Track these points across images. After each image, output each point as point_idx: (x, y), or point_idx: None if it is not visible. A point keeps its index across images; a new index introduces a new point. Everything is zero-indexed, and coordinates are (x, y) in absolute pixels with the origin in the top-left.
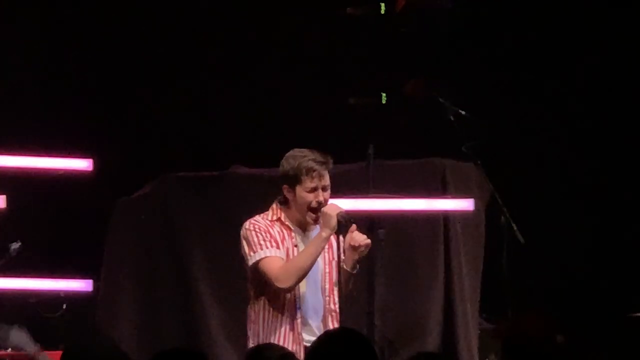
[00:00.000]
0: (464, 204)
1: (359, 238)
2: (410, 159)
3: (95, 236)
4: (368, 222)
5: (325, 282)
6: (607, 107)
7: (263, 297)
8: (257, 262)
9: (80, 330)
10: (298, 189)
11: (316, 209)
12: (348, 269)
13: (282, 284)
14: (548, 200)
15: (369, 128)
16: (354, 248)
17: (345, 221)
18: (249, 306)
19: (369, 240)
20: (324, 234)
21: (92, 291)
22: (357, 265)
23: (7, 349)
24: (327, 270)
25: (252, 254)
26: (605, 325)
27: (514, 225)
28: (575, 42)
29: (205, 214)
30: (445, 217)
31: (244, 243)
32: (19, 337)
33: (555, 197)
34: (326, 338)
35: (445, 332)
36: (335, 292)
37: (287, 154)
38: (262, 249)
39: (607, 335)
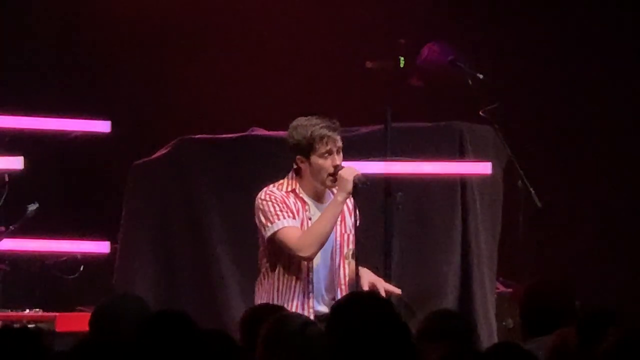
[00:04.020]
0: (482, 168)
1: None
2: (428, 123)
3: (112, 198)
4: (385, 185)
5: (335, 254)
6: (629, 68)
7: (277, 269)
8: (274, 233)
9: (99, 292)
10: (313, 157)
11: (334, 173)
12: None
13: (303, 252)
14: (566, 164)
15: (387, 92)
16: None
17: (362, 184)
18: (260, 277)
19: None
20: (340, 198)
21: (109, 253)
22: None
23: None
24: (339, 242)
25: (269, 224)
26: (621, 291)
27: (531, 189)
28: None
29: (222, 177)
30: (463, 181)
31: (260, 214)
32: None
33: (572, 160)
34: (353, 298)
35: (462, 295)
36: (346, 265)
37: (294, 124)
38: (279, 219)
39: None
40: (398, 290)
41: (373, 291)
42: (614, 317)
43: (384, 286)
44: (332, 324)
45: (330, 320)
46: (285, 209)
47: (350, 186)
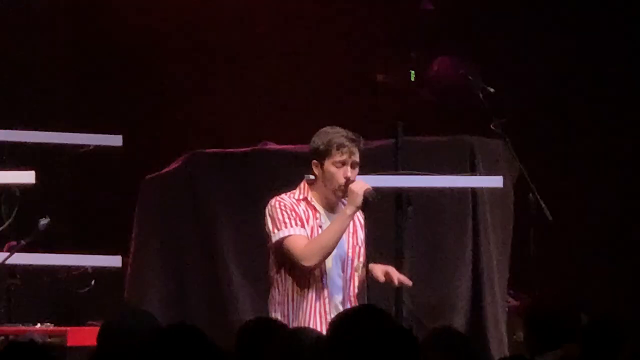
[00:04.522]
0: (493, 181)
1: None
2: (439, 136)
3: (124, 212)
4: (396, 199)
5: (347, 265)
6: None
7: (290, 278)
8: (281, 240)
9: (110, 306)
10: (327, 163)
11: (345, 185)
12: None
13: (306, 262)
14: (576, 178)
15: (398, 105)
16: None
17: (372, 198)
18: (272, 287)
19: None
20: (349, 211)
21: (120, 267)
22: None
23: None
24: (350, 255)
25: (276, 231)
26: (632, 305)
27: (542, 202)
28: (604, 15)
29: (233, 191)
30: (474, 195)
31: (269, 220)
32: None
33: (583, 174)
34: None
35: (473, 309)
36: (356, 278)
37: (319, 131)
38: (286, 227)
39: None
40: (409, 282)
41: (371, 305)
42: (619, 333)
43: (397, 276)
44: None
45: (329, 338)
46: (294, 217)
47: (360, 200)
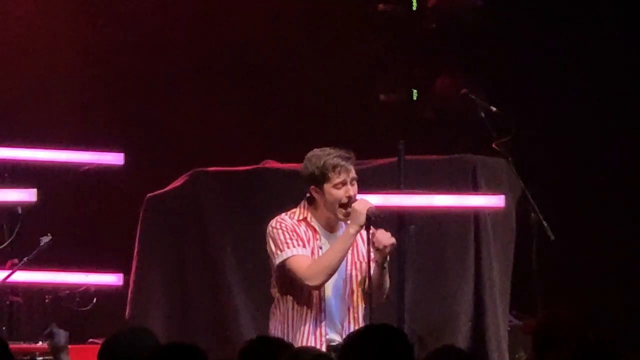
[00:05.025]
0: (495, 201)
1: (382, 238)
2: (441, 155)
3: (125, 231)
4: (398, 218)
5: (346, 283)
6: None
7: (289, 297)
8: (284, 261)
9: (111, 324)
10: (326, 187)
11: (347, 204)
12: (378, 267)
13: (311, 282)
14: (578, 197)
15: (400, 124)
16: (378, 250)
17: (375, 217)
18: (273, 305)
19: (393, 240)
20: (352, 230)
21: (122, 285)
22: (386, 264)
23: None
24: (350, 270)
25: (279, 252)
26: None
27: (544, 222)
28: (606, 36)
29: (235, 209)
30: (476, 214)
31: (271, 242)
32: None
33: (585, 193)
34: (366, 332)
35: (475, 328)
36: (359, 293)
37: (308, 156)
38: (289, 248)
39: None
40: (392, 240)
41: (387, 324)
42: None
43: (378, 238)
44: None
45: (342, 354)
46: (295, 237)
47: (363, 219)
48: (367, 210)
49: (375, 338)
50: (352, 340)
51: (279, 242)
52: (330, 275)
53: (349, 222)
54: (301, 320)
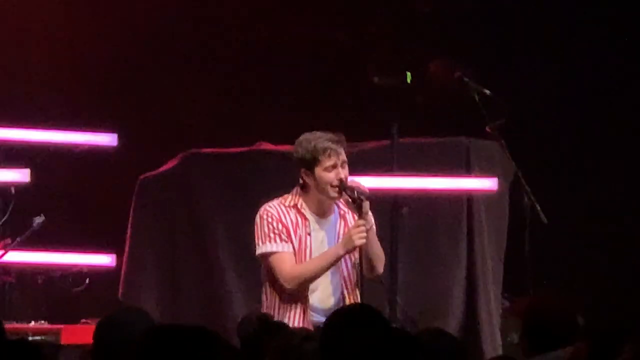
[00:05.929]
0: (488, 184)
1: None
2: (435, 138)
3: (118, 211)
4: (392, 200)
5: (338, 266)
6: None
7: (276, 283)
8: (265, 254)
9: (104, 304)
10: (317, 170)
11: (338, 186)
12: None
13: (288, 285)
14: (571, 180)
15: (393, 107)
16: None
17: (358, 197)
18: (263, 289)
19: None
20: (341, 252)
21: (115, 266)
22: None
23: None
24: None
25: (260, 244)
26: (626, 307)
27: (537, 205)
28: (601, 18)
29: (228, 191)
30: (469, 197)
31: (255, 229)
32: None
33: (578, 176)
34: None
35: (467, 311)
36: (353, 276)
37: (299, 140)
38: (270, 242)
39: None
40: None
41: (367, 305)
42: (628, 334)
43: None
44: (324, 342)
45: (322, 338)
46: (279, 231)
47: (352, 244)
48: (357, 191)
49: (352, 318)
50: (329, 325)
51: (261, 233)
52: (306, 285)
53: (341, 202)
54: (288, 305)
